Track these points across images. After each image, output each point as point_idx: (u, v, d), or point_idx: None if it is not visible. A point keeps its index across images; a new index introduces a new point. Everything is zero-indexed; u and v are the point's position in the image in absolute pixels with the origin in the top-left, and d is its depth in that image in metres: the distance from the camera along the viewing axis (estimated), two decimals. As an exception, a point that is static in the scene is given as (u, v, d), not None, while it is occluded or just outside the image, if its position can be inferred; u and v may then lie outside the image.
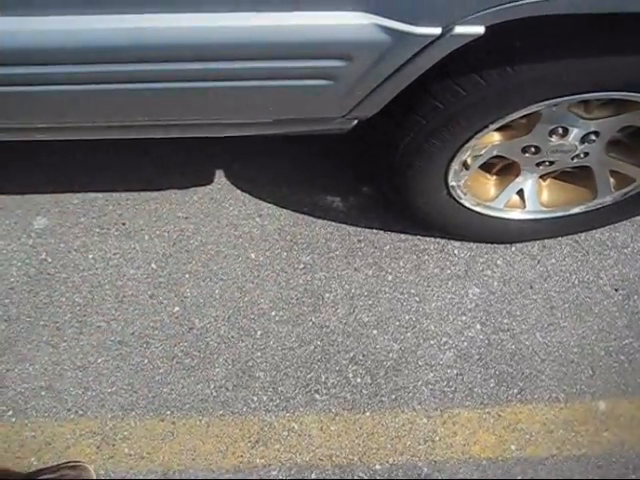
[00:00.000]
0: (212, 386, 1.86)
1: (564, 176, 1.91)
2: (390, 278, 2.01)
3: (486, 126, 1.57)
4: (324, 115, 1.53)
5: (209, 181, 2.10)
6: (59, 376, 1.86)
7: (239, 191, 2.09)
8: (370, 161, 1.86)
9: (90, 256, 1.99)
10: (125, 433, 1.81)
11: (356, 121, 1.60)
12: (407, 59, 1.31)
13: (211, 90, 1.38)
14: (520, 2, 1.21)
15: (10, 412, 1.82)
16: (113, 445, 1.80)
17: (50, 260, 1.98)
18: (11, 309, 1.92)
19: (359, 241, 2.05)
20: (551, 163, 1.77)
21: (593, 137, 1.67)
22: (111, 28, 1.23)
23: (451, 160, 1.67)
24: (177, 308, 1.94)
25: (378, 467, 1.81)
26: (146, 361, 1.88)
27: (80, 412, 1.82)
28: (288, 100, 1.45)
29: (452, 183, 1.76)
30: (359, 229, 2.07)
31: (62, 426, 1.81)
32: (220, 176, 2.11)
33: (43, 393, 1.84)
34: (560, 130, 1.64)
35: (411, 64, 1.33)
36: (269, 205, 2.08)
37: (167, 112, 1.52)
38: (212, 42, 1.26)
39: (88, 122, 1.60)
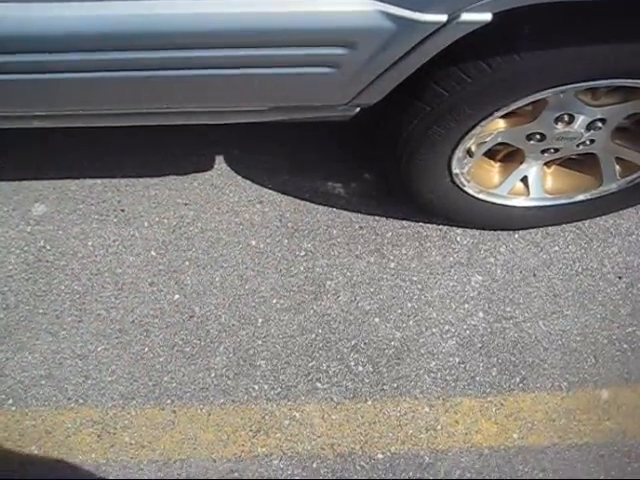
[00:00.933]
0: (213, 374, 1.85)
1: (569, 163, 1.88)
2: (392, 265, 1.99)
3: (491, 114, 1.54)
4: (327, 102, 1.50)
5: (209, 167, 2.07)
6: (59, 364, 1.84)
7: (240, 177, 2.07)
8: (373, 148, 1.84)
9: (89, 243, 1.97)
10: (126, 422, 1.80)
11: (359, 108, 1.57)
12: (412, 47, 1.29)
13: (214, 77, 1.36)
14: (528, -12, 1.19)
15: (10, 401, 1.81)
16: (114, 434, 1.79)
17: (49, 247, 1.95)
18: (10, 297, 1.90)
19: (361, 228, 2.03)
20: (556, 150, 1.75)
21: (599, 124, 1.64)
22: (114, 15, 1.21)
23: (455, 147, 1.65)
24: (177, 296, 1.92)
25: (380, 456, 1.81)
26: (146, 349, 1.87)
27: (80, 401, 1.81)
28: (291, 87, 1.42)
29: (456, 170, 1.74)
30: (361, 216, 2.04)
31: (62, 415, 1.80)
32: (220, 162, 2.09)
33: (43, 382, 1.83)
34: (566, 117, 1.62)
35: (416, 52, 1.30)
36: (270, 192, 2.05)
37: (169, 100, 1.50)
38: (215, 29, 1.24)
39: (89, 110, 1.58)
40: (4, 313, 1.88)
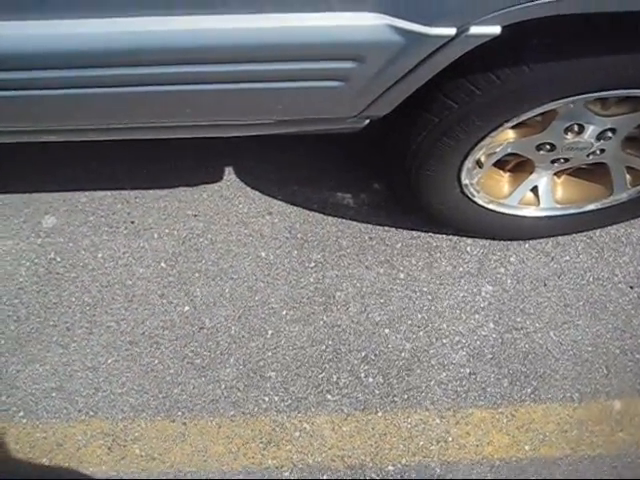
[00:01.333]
0: (223, 386, 1.85)
1: (579, 173, 1.87)
2: (402, 276, 1.99)
3: (501, 125, 1.54)
4: (335, 115, 1.50)
5: (219, 178, 2.08)
6: (69, 377, 1.85)
7: (249, 188, 2.07)
8: (383, 159, 1.83)
9: (99, 255, 1.97)
10: (136, 434, 1.80)
11: (368, 120, 1.57)
12: (420, 60, 1.28)
13: (224, 92, 1.36)
14: (536, 1, 1.18)
15: (21, 413, 1.81)
16: (124, 446, 1.79)
17: (59, 259, 1.96)
18: (20, 309, 1.91)
19: (370, 239, 2.03)
20: (566, 160, 1.74)
21: (609, 134, 1.64)
22: (120, 31, 1.21)
23: (464, 159, 1.64)
24: (187, 307, 1.92)
25: (391, 468, 1.80)
26: (156, 361, 1.87)
27: (91, 413, 1.82)
28: (299, 101, 1.42)
29: (465, 181, 1.73)
30: (370, 226, 2.04)
31: (73, 427, 1.81)
32: (230, 173, 2.09)
33: (54, 394, 1.83)
34: (576, 127, 1.61)
35: (425, 65, 1.30)
36: (279, 203, 2.05)
37: (180, 114, 1.50)
38: (225, 44, 1.24)
39: (97, 124, 1.59)
40: (15, 325, 1.89)
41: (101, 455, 1.78)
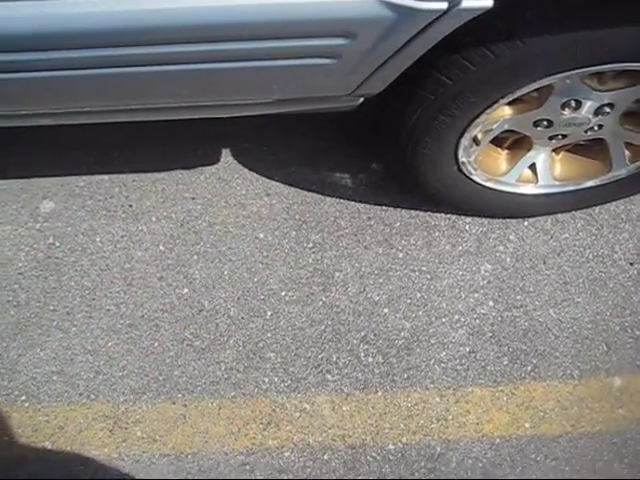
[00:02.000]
0: (223, 368, 1.86)
1: (577, 149, 1.86)
2: (401, 255, 1.98)
3: (496, 101, 1.53)
4: (329, 94, 1.49)
5: (216, 160, 2.07)
6: (70, 360, 1.85)
7: (246, 170, 2.06)
8: (379, 138, 1.82)
9: (97, 239, 1.98)
10: (137, 417, 1.81)
11: (362, 99, 1.56)
12: (413, 35, 1.27)
13: (216, 71, 1.35)
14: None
15: (23, 397, 1.82)
16: (125, 429, 1.80)
17: (58, 244, 1.96)
18: (20, 294, 1.91)
19: (369, 218, 2.02)
20: (564, 136, 1.73)
21: (607, 109, 1.62)
22: (116, 11, 1.20)
23: (461, 136, 1.63)
24: (186, 290, 1.93)
25: (391, 447, 1.80)
26: (156, 344, 1.87)
27: (92, 396, 1.83)
28: (292, 79, 1.41)
29: (462, 159, 1.73)
30: (368, 206, 2.03)
31: (74, 410, 1.82)
32: (227, 155, 2.08)
33: (55, 378, 1.84)
34: (573, 103, 1.59)
35: (417, 40, 1.29)
36: (277, 184, 2.05)
37: (174, 95, 1.49)
38: (216, 22, 1.23)
39: (95, 107, 1.58)
40: (15, 310, 1.90)
41: (103, 438, 1.79)
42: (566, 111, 1.62)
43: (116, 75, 1.37)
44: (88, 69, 1.35)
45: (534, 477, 1.79)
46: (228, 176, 2.06)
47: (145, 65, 1.35)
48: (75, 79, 1.38)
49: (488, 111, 1.56)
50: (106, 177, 2.05)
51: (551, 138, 1.74)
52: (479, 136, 1.70)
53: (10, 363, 1.85)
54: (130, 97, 1.53)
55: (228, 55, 1.31)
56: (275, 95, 1.50)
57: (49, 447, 1.79)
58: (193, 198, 2.02)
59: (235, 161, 2.08)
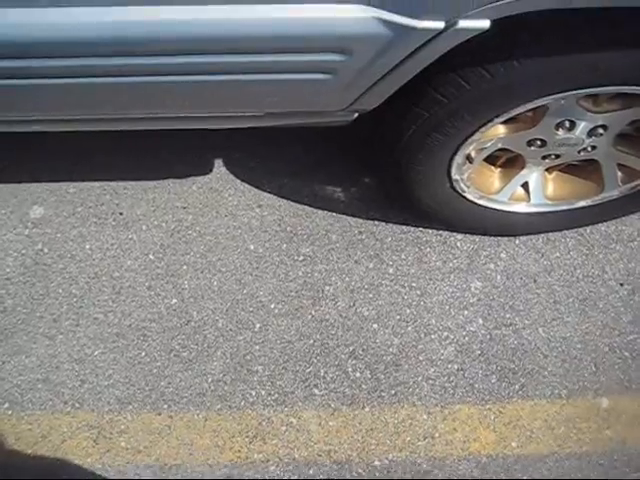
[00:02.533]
0: (210, 380, 1.84)
1: (570, 169, 1.86)
2: (391, 271, 1.98)
3: (491, 120, 1.53)
4: (323, 108, 1.49)
5: (208, 170, 2.06)
6: (56, 368, 1.84)
7: (239, 181, 2.06)
8: (373, 152, 1.82)
9: (87, 246, 1.96)
10: (122, 427, 1.79)
11: (357, 114, 1.56)
12: (409, 53, 1.27)
13: (211, 84, 1.35)
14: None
15: (6, 405, 1.80)
16: (110, 439, 1.78)
17: (47, 250, 1.95)
18: (7, 300, 1.89)
19: (360, 233, 2.02)
20: (557, 156, 1.73)
21: (601, 131, 1.63)
22: (110, 21, 1.20)
23: (454, 154, 1.63)
24: (175, 300, 1.91)
25: (377, 463, 1.79)
26: (143, 354, 1.86)
27: (77, 405, 1.81)
28: (286, 93, 1.41)
29: (455, 176, 1.72)
30: (360, 220, 2.03)
31: (59, 419, 1.80)
32: (219, 165, 2.08)
33: (40, 386, 1.82)
34: (567, 123, 1.60)
35: (413, 58, 1.29)
36: (269, 195, 2.04)
37: (168, 105, 1.49)
38: (211, 35, 1.23)
39: (88, 115, 1.57)
40: (1, 316, 1.88)
41: (87, 447, 1.77)
42: (560, 131, 1.62)
43: (109, 85, 1.37)
44: (85, 78, 1.35)
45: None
46: (220, 186, 2.05)
47: (141, 75, 1.34)
48: (69, 88, 1.38)
49: (482, 130, 1.56)
50: (97, 184, 2.03)
51: (544, 157, 1.74)
52: (473, 154, 1.70)
53: (-6, 370, 1.83)
54: (124, 106, 1.52)
55: (223, 68, 1.30)
56: (269, 108, 1.49)
57: (32, 455, 1.76)
58: (184, 207, 2.01)
59: (227, 171, 2.07)
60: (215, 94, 1.41)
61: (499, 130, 1.64)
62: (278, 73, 1.33)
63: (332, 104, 1.47)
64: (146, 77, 1.35)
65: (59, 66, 1.30)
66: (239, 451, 1.79)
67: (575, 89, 1.44)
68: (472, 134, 1.57)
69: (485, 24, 1.21)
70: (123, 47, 1.25)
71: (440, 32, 1.21)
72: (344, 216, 2.03)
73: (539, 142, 1.66)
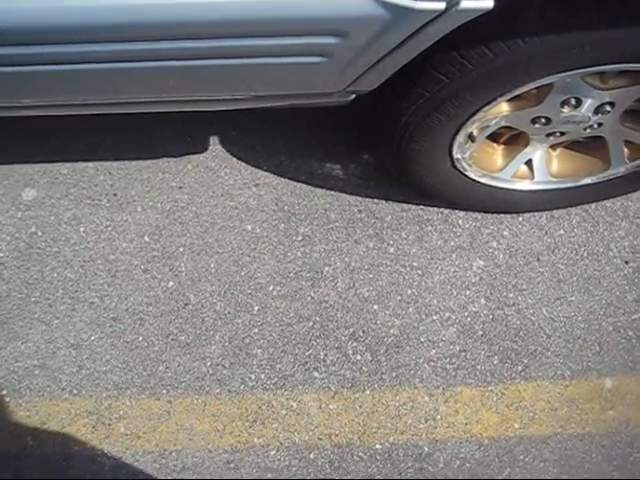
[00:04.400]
0: (208, 364, 1.82)
1: (575, 146, 1.81)
2: (392, 250, 1.94)
3: (494, 99, 1.47)
4: (319, 90, 1.43)
5: (204, 149, 2.01)
6: (52, 354, 1.81)
7: (235, 159, 2.01)
8: (373, 131, 1.77)
9: (81, 229, 1.92)
10: (121, 412, 1.78)
11: (354, 95, 1.50)
12: (408, 35, 1.21)
13: (204, 67, 1.29)
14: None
15: (4, 391, 1.79)
16: (109, 425, 1.77)
17: (40, 234, 1.91)
18: (1, 286, 1.86)
19: (359, 211, 1.97)
20: (562, 134, 1.68)
21: (608, 108, 1.57)
22: (109, 5, 1.14)
23: (456, 133, 1.58)
24: (171, 283, 1.88)
25: (378, 446, 1.78)
26: (140, 338, 1.83)
27: (75, 391, 1.79)
28: (282, 76, 1.36)
29: (457, 155, 1.67)
30: (359, 199, 1.98)
31: (57, 405, 1.78)
32: (215, 143, 2.02)
33: (37, 372, 1.80)
34: (573, 101, 1.54)
35: (412, 40, 1.23)
36: (266, 174, 1.99)
37: (164, 89, 1.44)
38: (207, 18, 1.17)
39: (82, 100, 1.52)
40: (-4, 302, 1.85)
41: (85, 434, 1.76)
42: (565, 109, 1.56)
43: (107, 70, 1.32)
44: (80, 64, 1.30)
45: (529, 477, 1.77)
46: (216, 165, 2.00)
47: (138, 61, 1.29)
48: (64, 74, 1.33)
49: (485, 109, 1.50)
50: (90, 164, 1.99)
51: (549, 135, 1.69)
52: (475, 132, 1.65)
53: (-9, 356, 1.81)
54: (118, 91, 1.47)
55: (219, 52, 1.25)
56: (266, 91, 1.44)
57: (31, 443, 1.75)
58: (180, 187, 1.97)
59: (223, 150, 2.02)
60: (211, 78, 1.36)
61: (502, 108, 1.58)
62: (272, 56, 1.27)
63: (328, 86, 1.41)
64: (145, 62, 1.29)
65: (54, 52, 1.25)
66: (239, 435, 1.77)
67: (581, 67, 1.39)
68: (474, 113, 1.51)
69: (489, 4, 1.15)
70: (120, 32, 1.20)
71: (441, 13, 1.15)
72: (343, 194, 1.98)
73: (544, 120, 1.61)
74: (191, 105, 1.55)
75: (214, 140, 2.03)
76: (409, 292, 1.90)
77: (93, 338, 1.83)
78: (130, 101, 1.52)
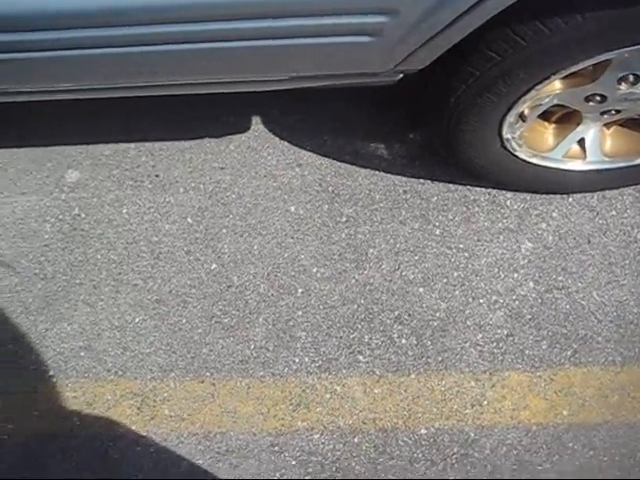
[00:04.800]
0: (252, 347, 1.81)
1: (630, 124, 1.74)
2: (437, 232, 1.90)
3: (547, 77, 1.42)
4: (367, 70, 1.39)
5: (246, 129, 1.98)
6: (97, 336, 1.82)
7: (277, 139, 1.98)
8: (420, 110, 1.72)
9: (124, 210, 1.92)
10: (165, 394, 1.78)
11: (402, 75, 1.46)
12: (461, 13, 1.16)
13: (255, 48, 1.26)
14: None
15: (51, 372, 1.80)
16: (153, 407, 1.77)
17: (84, 215, 1.91)
18: (47, 267, 1.87)
19: (405, 192, 1.93)
20: (617, 112, 1.61)
21: (668, 84, 1.50)
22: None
23: (506, 113, 1.53)
24: (214, 265, 1.87)
25: (423, 431, 1.76)
26: (184, 320, 1.83)
27: (120, 373, 1.80)
28: (329, 57, 1.32)
29: (507, 135, 1.62)
30: (405, 179, 1.94)
31: (102, 387, 1.79)
32: (257, 123, 2.00)
33: (82, 353, 1.81)
34: (631, 78, 1.47)
35: (469, 15, 1.18)
36: (309, 154, 1.96)
37: (213, 71, 1.41)
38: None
39: (125, 83, 1.50)
40: (42, 284, 1.86)
41: (131, 415, 1.77)
42: (623, 86, 1.50)
43: (150, 53, 1.29)
44: (123, 47, 1.28)
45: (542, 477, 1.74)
46: (258, 145, 1.97)
47: (189, 43, 1.27)
48: (111, 57, 1.31)
49: (538, 87, 1.45)
50: (132, 146, 1.98)
51: (603, 113, 1.62)
52: (526, 112, 1.59)
53: (38, 337, 1.83)
54: (162, 74, 1.44)
55: (269, 33, 1.21)
56: (312, 71, 1.40)
57: (78, 423, 1.77)
58: (222, 168, 1.95)
59: (265, 129, 1.99)
60: (260, 58, 1.32)
61: (556, 86, 1.52)
62: (321, 37, 1.23)
63: (376, 66, 1.37)
64: (199, 44, 1.27)
65: (96, 36, 1.23)
66: (283, 419, 1.77)
67: (643, 42, 1.32)
68: (527, 92, 1.46)
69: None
70: (160, 15, 1.18)
71: (498, -12, 1.11)
72: (388, 174, 1.94)
73: (599, 98, 1.54)
74: (235, 86, 1.52)
75: (256, 120, 2.00)
76: (455, 275, 1.86)
77: (137, 320, 1.83)
78: (173, 83, 1.50)
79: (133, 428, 1.76)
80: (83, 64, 1.35)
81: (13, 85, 1.48)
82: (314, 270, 1.86)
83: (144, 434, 1.76)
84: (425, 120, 1.73)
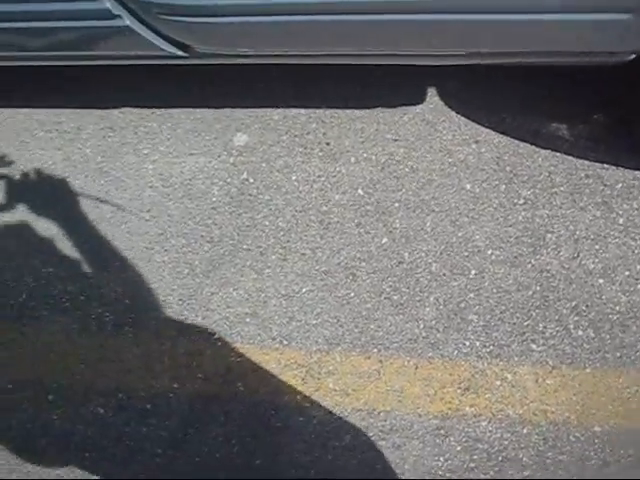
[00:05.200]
0: (421, 326, 1.76)
1: None
2: (621, 221, 1.80)
3: None
4: (617, 49, 1.29)
5: (421, 100, 1.91)
6: (263, 303, 1.81)
7: (454, 113, 1.90)
8: (624, 90, 1.61)
9: (293, 177, 1.88)
10: (330, 367, 1.76)
11: (635, 55, 1.36)
12: None
13: (493, 22, 1.19)
14: None
15: (216, 336, 1.80)
16: (318, 379, 1.75)
17: (252, 180, 1.88)
18: (214, 230, 1.86)
19: (587, 176, 1.83)
20: None
21: None
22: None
23: None
24: (385, 239, 1.82)
25: (597, 429, 1.68)
26: (352, 294, 1.79)
27: (285, 342, 1.78)
28: (579, 34, 1.23)
29: None
30: (587, 163, 1.84)
31: (267, 354, 1.78)
32: (433, 95, 1.92)
33: (248, 320, 1.80)
34: None
35: None
36: (487, 131, 1.88)
37: (427, 44, 1.35)
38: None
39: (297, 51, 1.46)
40: (209, 246, 1.85)
41: (295, 385, 1.75)
42: None
43: (349, 22, 1.24)
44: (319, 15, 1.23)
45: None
46: (433, 118, 1.90)
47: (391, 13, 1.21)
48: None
49: None
50: (302, 111, 1.93)
51: None
52: None
53: (203, 300, 1.82)
54: (366, 44, 1.39)
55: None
56: (553, 47, 1.31)
57: (242, 388, 1.76)
58: (395, 140, 1.89)
59: (442, 102, 1.91)
60: (498, 32, 1.25)
61: None
62: (572, 13, 1.15)
63: (623, 45, 1.27)
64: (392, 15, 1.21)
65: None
66: (450, 402, 1.72)
67: None
68: None
69: None
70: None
71: None
72: (569, 157, 1.85)
73: None
74: (448, 59, 1.45)
75: (432, 92, 1.93)
76: (638, 268, 1.77)
77: (304, 290, 1.80)
78: (359, 53, 1.44)
79: (297, 398, 1.74)
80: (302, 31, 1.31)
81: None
82: (489, 252, 1.80)
83: (307, 405, 1.74)
84: (619, 102, 1.61)
